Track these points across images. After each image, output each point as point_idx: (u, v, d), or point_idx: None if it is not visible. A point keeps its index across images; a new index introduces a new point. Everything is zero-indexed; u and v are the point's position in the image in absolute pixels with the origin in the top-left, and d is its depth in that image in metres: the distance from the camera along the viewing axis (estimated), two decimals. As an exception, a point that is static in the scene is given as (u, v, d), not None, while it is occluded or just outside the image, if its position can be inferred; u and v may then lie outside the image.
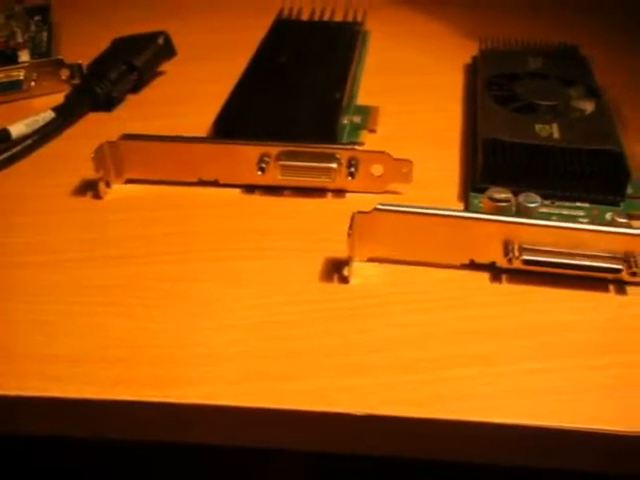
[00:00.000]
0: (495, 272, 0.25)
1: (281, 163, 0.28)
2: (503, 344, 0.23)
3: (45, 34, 0.42)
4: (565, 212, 0.27)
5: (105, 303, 0.24)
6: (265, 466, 0.32)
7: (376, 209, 0.24)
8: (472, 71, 0.37)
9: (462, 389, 0.22)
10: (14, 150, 0.32)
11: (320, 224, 0.27)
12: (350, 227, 0.24)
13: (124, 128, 0.30)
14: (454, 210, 0.25)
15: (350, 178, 0.28)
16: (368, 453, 0.22)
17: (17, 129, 0.33)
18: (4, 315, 0.24)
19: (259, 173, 0.28)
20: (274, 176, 0.28)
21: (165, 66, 0.38)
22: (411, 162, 0.28)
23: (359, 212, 0.24)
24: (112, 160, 0.29)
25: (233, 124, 0.31)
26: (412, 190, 0.29)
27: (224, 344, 0.23)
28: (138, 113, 0.35)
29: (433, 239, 0.25)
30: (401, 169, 0.28)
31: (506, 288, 0.25)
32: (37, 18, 0.43)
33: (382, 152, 0.28)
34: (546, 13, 0.45)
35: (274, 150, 0.28)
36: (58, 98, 0.35)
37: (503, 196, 0.26)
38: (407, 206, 0.25)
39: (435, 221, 0.25)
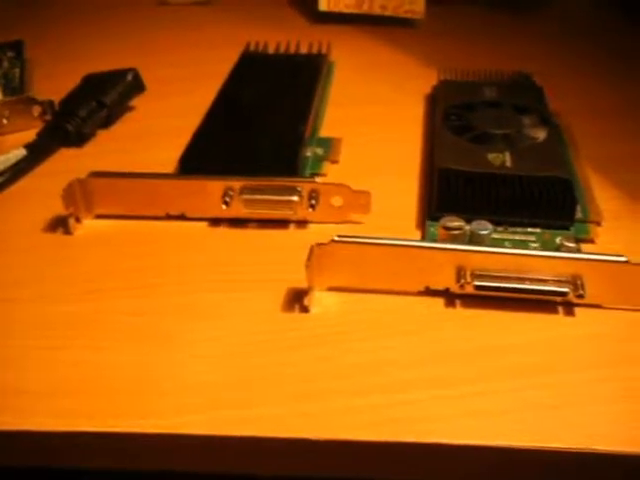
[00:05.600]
0: (449, 298, 0.26)
1: (244, 197, 0.29)
2: (457, 367, 0.24)
3: (18, 70, 0.42)
4: (517, 237, 0.29)
5: (72, 337, 0.25)
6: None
7: (333, 241, 0.26)
8: (432, 101, 0.39)
9: (418, 412, 0.22)
10: (-14, 188, 0.33)
11: (283, 255, 0.28)
12: (308, 258, 0.25)
13: (94, 163, 0.31)
14: (407, 240, 0.26)
15: (311, 210, 0.29)
16: (328, 476, 0.23)
17: (-10, 167, 0.34)
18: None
19: (224, 207, 0.29)
20: (238, 209, 0.29)
21: (135, 101, 0.39)
22: (369, 193, 0.29)
23: (317, 244, 0.26)
24: (82, 196, 0.30)
25: (198, 160, 0.32)
26: (373, 219, 0.30)
27: (189, 375, 0.24)
28: (108, 148, 0.36)
29: (389, 268, 0.26)
30: (359, 200, 0.29)
31: (460, 313, 0.26)
32: (10, 54, 0.44)
33: (341, 184, 0.29)
34: (504, 40, 0.47)
35: (237, 184, 0.29)
36: (30, 135, 0.36)
37: (456, 224, 0.27)
38: (362, 237, 0.26)
39: (390, 251, 0.26)
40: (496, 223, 0.28)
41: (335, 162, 0.34)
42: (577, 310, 0.26)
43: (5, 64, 0.43)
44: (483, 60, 0.42)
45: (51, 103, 0.38)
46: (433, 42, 0.47)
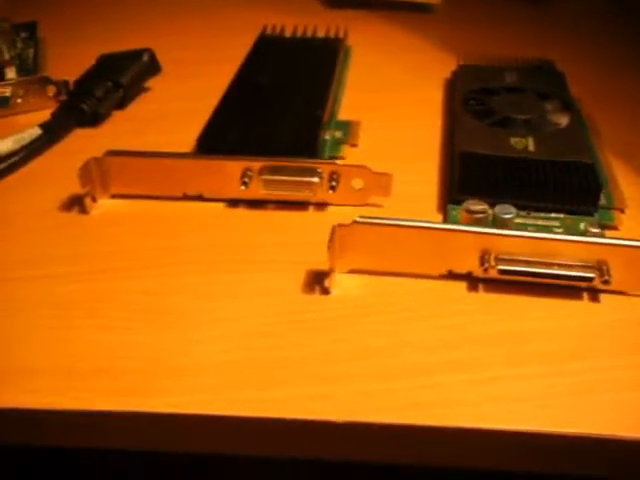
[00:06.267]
0: (472, 282, 0.26)
1: (264, 178, 0.29)
2: (480, 351, 0.24)
3: (32, 51, 0.42)
4: (540, 222, 0.28)
5: (88, 317, 0.25)
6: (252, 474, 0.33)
7: (355, 222, 0.25)
8: (451, 86, 0.38)
9: (440, 396, 0.22)
10: (0, 167, 0.32)
11: (303, 237, 0.28)
12: (330, 239, 0.25)
13: (110, 144, 0.31)
14: (431, 222, 0.26)
15: (331, 192, 0.29)
16: (347, 459, 0.23)
17: (4, 145, 0.33)
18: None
19: (242, 188, 0.29)
20: (257, 190, 0.29)
21: (150, 82, 0.38)
22: (390, 175, 0.29)
23: (339, 225, 0.25)
24: (98, 176, 0.30)
25: (216, 140, 0.31)
26: (393, 202, 0.29)
27: (206, 355, 0.23)
28: (123, 129, 0.36)
29: (411, 250, 0.26)
30: (380, 182, 0.29)
31: (483, 297, 0.26)
32: (24, 35, 0.44)
33: (362, 166, 0.29)
34: (523, 27, 0.46)
35: (257, 165, 0.29)
36: (45, 114, 0.36)
37: (479, 208, 0.27)
38: (385, 218, 0.25)
39: (412, 233, 0.25)
40: (519, 208, 0.28)
41: (354, 145, 0.33)
42: (601, 297, 0.25)
43: (19, 45, 0.42)
44: (502, 46, 0.41)
45: (66, 83, 0.37)
46: (451, 28, 0.46)
